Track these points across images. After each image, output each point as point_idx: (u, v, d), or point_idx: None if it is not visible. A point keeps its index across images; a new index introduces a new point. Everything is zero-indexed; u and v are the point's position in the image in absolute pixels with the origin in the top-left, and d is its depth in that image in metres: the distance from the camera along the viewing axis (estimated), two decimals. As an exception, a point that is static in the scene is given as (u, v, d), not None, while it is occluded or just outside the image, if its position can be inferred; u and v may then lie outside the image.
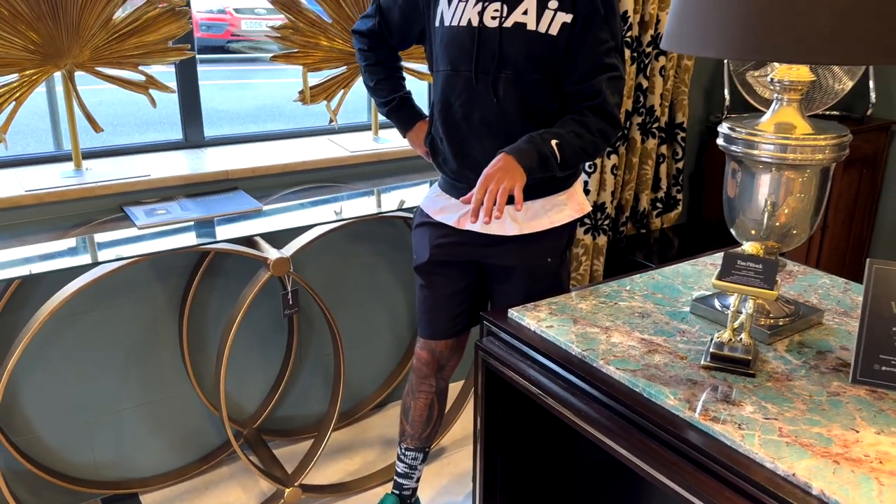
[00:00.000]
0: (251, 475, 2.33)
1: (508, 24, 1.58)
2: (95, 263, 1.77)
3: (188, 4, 2.03)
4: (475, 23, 1.60)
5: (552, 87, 1.62)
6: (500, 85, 1.60)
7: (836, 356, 1.33)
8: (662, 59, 2.73)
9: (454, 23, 1.63)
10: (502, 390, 1.55)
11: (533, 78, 1.60)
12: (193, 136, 2.28)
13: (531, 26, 1.57)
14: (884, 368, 1.23)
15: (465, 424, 2.58)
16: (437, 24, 1.68)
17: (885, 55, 1.15)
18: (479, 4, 1.60)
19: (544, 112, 1.63)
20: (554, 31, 1.57)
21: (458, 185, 1.75)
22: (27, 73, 1.87)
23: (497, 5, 1.58)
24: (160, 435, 2.27)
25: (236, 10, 7.79)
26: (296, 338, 2.38)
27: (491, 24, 1.59)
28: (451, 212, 1.78)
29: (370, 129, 2.54)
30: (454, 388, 2.57)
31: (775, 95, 1.37)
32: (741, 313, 1.29)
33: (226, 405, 2.00)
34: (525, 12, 1.57)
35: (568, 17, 1.57)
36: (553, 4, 1.57)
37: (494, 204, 1.45)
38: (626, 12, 2.53)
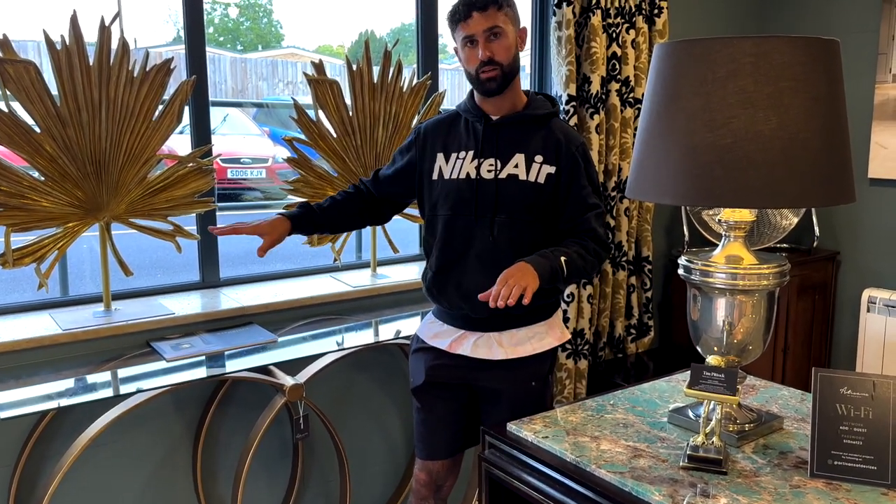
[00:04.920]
0: None
1: (503, 175, 1.87)
2: (127, 395, 1.93)
3: (212, 163, 2.32)
4: (473, 175, 1.88)
5: (540, 227, 1.89)
6: (495, 226, 1.87)
7: (796, 455, 1.52)
8: (626, 202, 3.06)
9: (453, 176, 1.91)
10: (504, 499, 1.71)
11: (524, 219, 1.86)
12: (210, 277, 2.50)
13: (522, 177, 1.86)
14: (836, 463, 1.42)
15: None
16: (434, 177, 1.95)
17: (801, 201, 1.44)
18: (476, 161, 1.89)
19: (533, 249, 1.86)
20: (541, 179, 1.86)
21: (452, 312, 1.97)
22: (70, 225, 2.11)
23: (492, 160, 1.88)
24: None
25: (223, 161, 8.21)
26: (300, 464, 2.50)
27: (487, 176, 1.88)
28: (444, 337, 1.98)
29: (369, 266, 2.79)
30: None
31: (723, 232, 1.64)
32: (711, 420, 1.50)
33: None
34: (516, 166, 1.87)
35: (552, 169, 1.86)
36: (539, 158, 1.87)
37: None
38: (592, 162, 2.88)
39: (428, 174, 1.97)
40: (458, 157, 1.92)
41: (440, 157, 1.95)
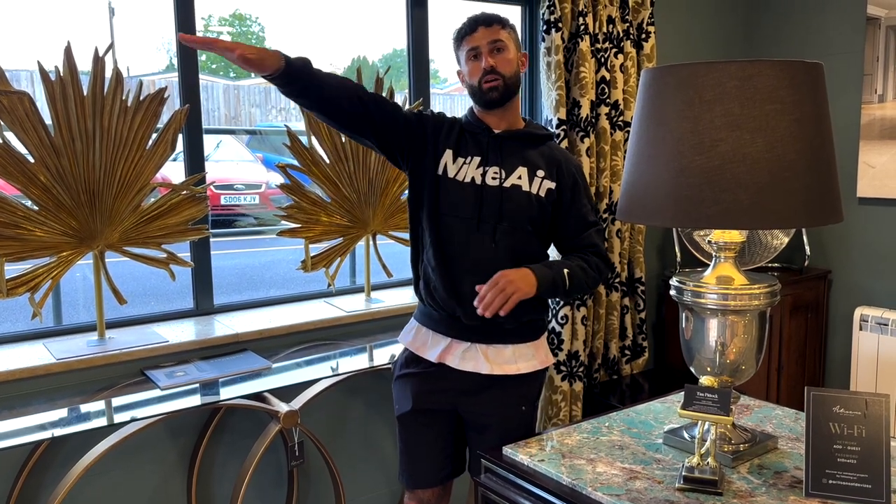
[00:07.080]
0: None
1: (507, 184, 1.89)
2: (121, 424, 1.92)
3: (206, 191, 2.33)
4: (478, 181, 1.89)
5: (537, 241, 1.93)
6: (497, 233, 1.88)
7: (791, 475, 1.52)
8: (618, 224, 3.08)
9: (459, 177, 1.91)
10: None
11: (525, 230, 1.89)
12: (204, 304, 2.50)
13: (525, 188, 1.90)
14: (831, 482, 1.42)
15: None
16: (439, 172, 1.92)
17: (789, 221, 1.46)
18: (481, 167, 1.91)
19: (530, 260, 1.89)
20: (542, 193, 1.90)
21: (440, 315, 1.94)
22: (64, 254, 2.11)
23: (496, 169, 1.90)
24: None
25: (216, 187, 8.22)
26: (296, 492, 2.48)
27: (492, 183, 1.89)
28: (431, 348, 1.95)
29: (363, 291, 2.79)
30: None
31: (714, 253, 1.65)
32: (706, 441, 1.50)
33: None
34: (519, 177, 1.90)
35: (552, 185, 1.91)
36: (540, 173, 1.91)
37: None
38: (584, 184, 2.91)
39: (433, 165, 1.93)
40: (464, 162, 1.92)
41: (449, 153, 1.93)
